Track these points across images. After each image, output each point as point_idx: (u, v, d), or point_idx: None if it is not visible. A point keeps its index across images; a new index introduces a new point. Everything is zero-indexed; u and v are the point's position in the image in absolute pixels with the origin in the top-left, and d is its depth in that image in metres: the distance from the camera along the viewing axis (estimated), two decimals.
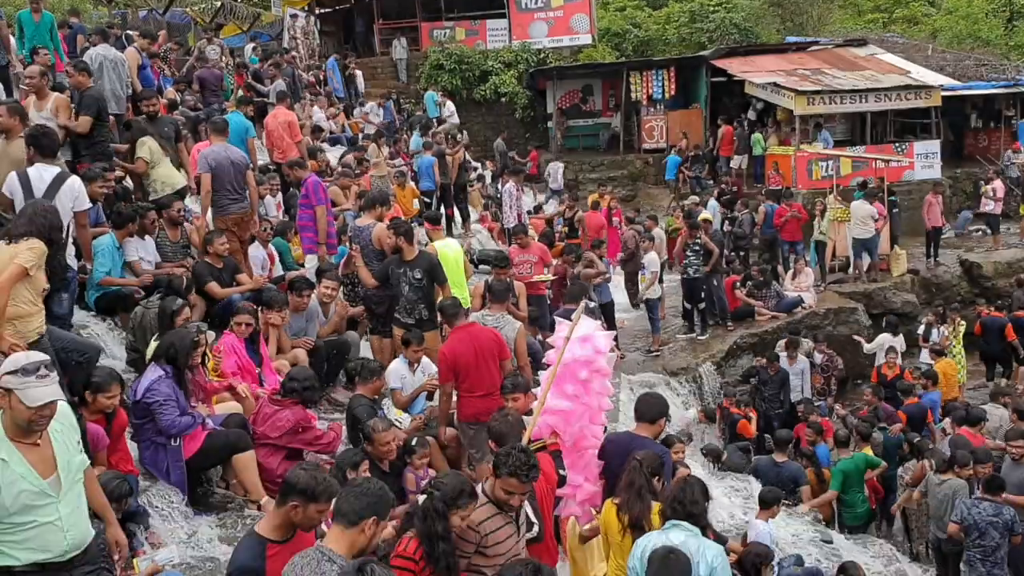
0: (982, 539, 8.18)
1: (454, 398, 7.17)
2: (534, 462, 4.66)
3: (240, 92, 15.15)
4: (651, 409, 5.85)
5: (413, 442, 6.50)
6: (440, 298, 8.22)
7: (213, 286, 8.12)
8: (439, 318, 8.21)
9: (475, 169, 19.15)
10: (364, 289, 8.87)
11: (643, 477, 5.15)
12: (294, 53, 21.17)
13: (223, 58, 16.58)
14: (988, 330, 15.15)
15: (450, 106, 23.20)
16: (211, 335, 7.33)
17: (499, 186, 18.09)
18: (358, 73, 23.27)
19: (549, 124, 26.05)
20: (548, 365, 6.16)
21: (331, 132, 17.17)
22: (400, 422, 7.22)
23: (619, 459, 5.59)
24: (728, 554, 5.84)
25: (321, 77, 21.88)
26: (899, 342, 14.32)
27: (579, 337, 6.10)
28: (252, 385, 7.13)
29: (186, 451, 6.11)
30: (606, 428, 6.70)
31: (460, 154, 16.95)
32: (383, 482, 4.40)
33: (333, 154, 15.33)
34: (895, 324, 14.66)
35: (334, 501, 4.14)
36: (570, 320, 6.15)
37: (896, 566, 9.53)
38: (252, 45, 18.93)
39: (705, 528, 4.98)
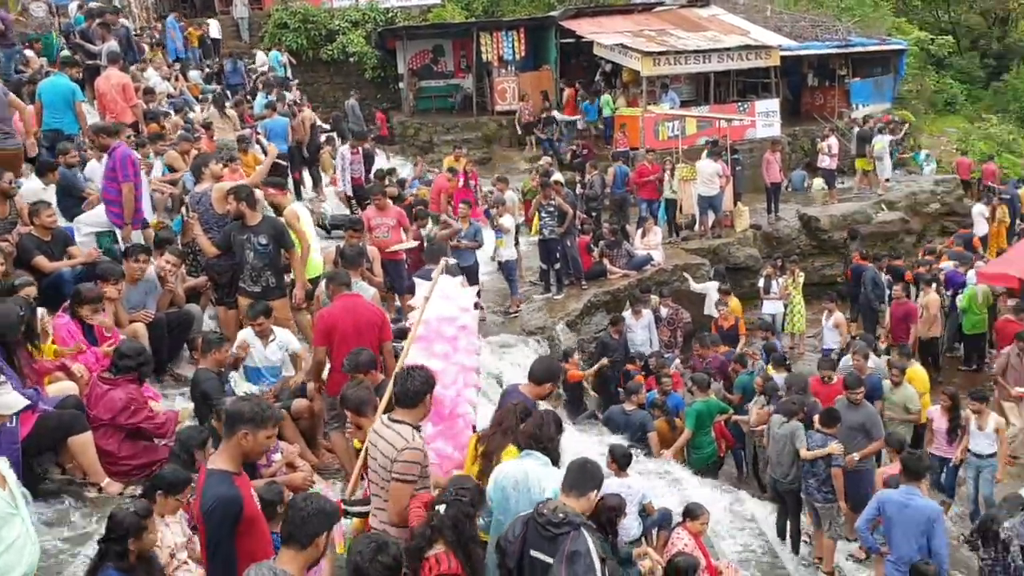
0: (814, 468, 8.86)
1: (325, 372, 6.97)
2: None
3: (65, 52, 14.19)
4: (541, 372, 6.15)
5: None
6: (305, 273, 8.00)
7: (40, 260, 7.60)
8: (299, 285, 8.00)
9: (325, 131, 18.64)
10: (206, 258, 8.48)
11: (514, 420, 5.55)
12: (126, 11, 19.97)
13: (51, 16, 15.51)
14: (856, 276, 15.91)
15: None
16: (43, 312, 6.87)
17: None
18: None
19: (400, 85, 25.64)
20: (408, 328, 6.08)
21: (169, 95, 16.30)
22: (249, 396, 6.97)
23: None
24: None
25: (157, 37, 20.79)
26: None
27: (441, 295, 6.02)
28: (89, 364, 6.72)
29: None
30: (479, 389, 6.70)
31: (310, 116, 16.45)
32: (322, 496, 4.40)
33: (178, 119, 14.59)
34: (722, 273, 15.42)
35: (282, 528, 4.15)
36: (430, 280, 6.07)
37: (740, 506, 10.03)
38: (77, 3, 17.69)
39: (556, 459, 5.25)
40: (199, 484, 4.39)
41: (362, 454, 5.45)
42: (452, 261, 9.53)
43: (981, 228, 19.86)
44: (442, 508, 4.63)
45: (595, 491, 4.87)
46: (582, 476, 4.86)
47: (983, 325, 14.45)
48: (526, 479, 5.03)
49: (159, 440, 6.45)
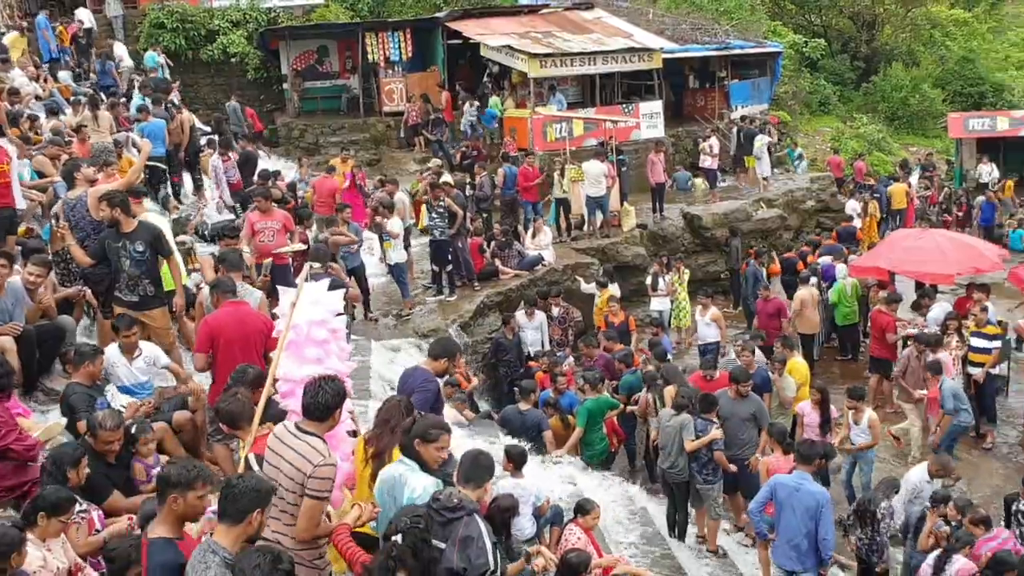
0: (697, 452, 9.28)
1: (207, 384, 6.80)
2: None
3: None
4: (438, 348, 6.75)
5: (133, 429, 6.04)
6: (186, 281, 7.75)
7: None
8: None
9: (206, 134, 18.09)
10: (80, 268, 8.11)
11: (400, 415, 5.58)
12: None
13: None
14: (785, 268, 16.82)
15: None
16: None
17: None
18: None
19: (284, 86, 25.14)
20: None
21: (37, 97, 15.54)
22: (124, 409, 6.70)
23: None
24: None
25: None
26: (616, 289, 15.23)
27: (309, 300, 5.90)
28: None
29: None
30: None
31: (188, 118, 15.95)
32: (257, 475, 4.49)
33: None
34: (611, 273, 15.66)
35: (218, 504, 4.24)
36: (295, 287, 5.96)
37: (632, 498, 10.23)
38: None
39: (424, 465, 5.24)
40: (143, 556, 4.28)
41: (242, 464, 5.29)
42: (317, 267, 9.37)
43: (856, 222, 20.77)
44: (398, 538, 4.54)
45: (489, 481, 5.10)
46: (476, 468, 5.07)
47: (855, 316, 15.07)
48: (399, 483, 5.09)
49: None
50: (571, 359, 13.55)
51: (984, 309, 12.80)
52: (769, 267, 17.19)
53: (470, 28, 22.76)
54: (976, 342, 12.26)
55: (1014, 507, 8.60)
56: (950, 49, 40.95)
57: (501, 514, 6.26)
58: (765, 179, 22.46)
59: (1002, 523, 8.70)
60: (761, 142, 22.50)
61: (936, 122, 35.76)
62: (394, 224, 13.76)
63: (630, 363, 12.15)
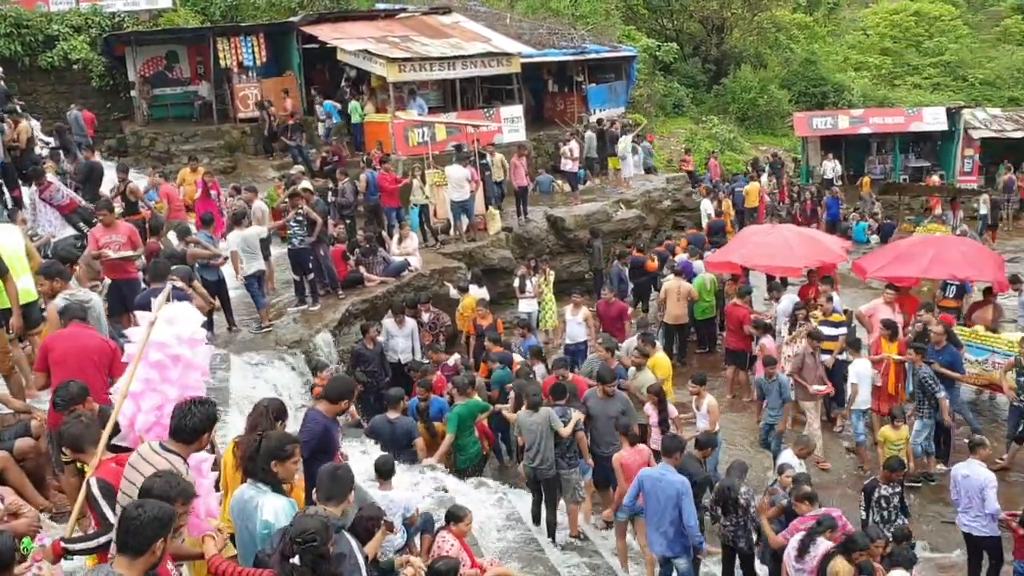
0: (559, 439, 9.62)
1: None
2: None
3: None
4: (335, 390, 6.60)
5: None
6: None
7: None
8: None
9: (46, 144, 17.13)
10: None
11: (268, 421, 5.72)
12: None
13: None
14: (634, 267, 17.18)
15: None
16: None
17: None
18: None
19: (132, 93, 24.07)
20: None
21: None
22: None
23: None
24: None
25: None
26: (483, 292, 15.31)
27: (165, 319, 5.63)
28: None
29: None
30: None
31: (27, 128, 15.00)
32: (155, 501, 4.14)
33: None
34: (479, 277, 15.76)
35: (116, 535, 4.06)
36: (151, 304, 5.67)
37: (506, 502, 10.23)
38: None
39: (278, 485, 5.14)
40: None
41: (83, 490, 5.00)
42: (178, 285, 9.03)
43: (706, 222, 21.52)
44: (296, 559, 4.42)
45: (351, 494, 5.03)
46: (335, 483, 5.05)
47: (712, 310, 15.61)
48: (248, 506, 4.95)
49: None
50: (457, 356, 13.51)
51: (830, 299, 13.48)
52: (646, 264, 17.53)
53: (326, 32, 22.37)
54: (824, 330, 12.88)
55: (875, 494, 9.03)
56: (794, 51, 43.08)
57: (365, 524, 6.14)
58: (628, 179, 23.05)
59: (861, 509, 9.13)
60: (625, 143, 23.07)
61: (783, 121, 37.51)
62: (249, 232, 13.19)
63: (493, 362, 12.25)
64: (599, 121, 24.87)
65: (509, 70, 22.70)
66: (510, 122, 22.51)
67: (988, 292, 14.30)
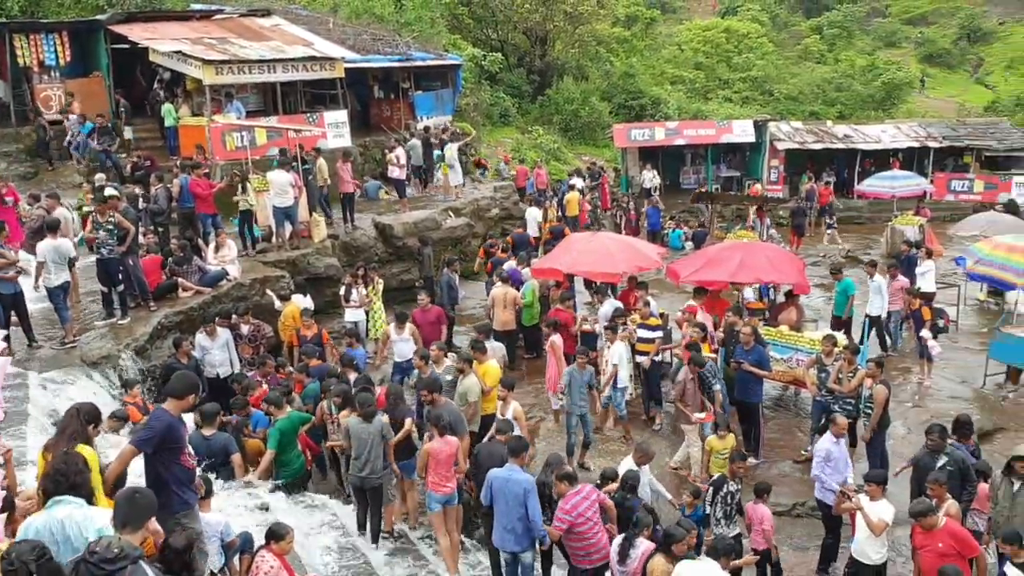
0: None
1: None
2: None
3: None
4: (179, 385, 6.67)
5: None
6: None
7: None
8: None
9: None
10: None
11: (78, 423, 5.91)
12: None
13: None
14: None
15: None
16: None
17: None
18: None
19: None
20: None
21: None
22: None
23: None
24: None
25: None
26: (307, 301, 15.03)
27: None
28: None
29: None
30: None
31: None
32: None
33: None
34: (303, 286, 15.60)
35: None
36: None
37: (328, 512, 10.06)
38: None
39: (90, 496, 5.01)
40: None
41: None
42: None
43: (533, 229, 21.89)
44: None
45: (151, 520, 4.65)
46: (134, 508, 4.76)
47: (538, 317, 15.88)
48: (63, 530, 4.53)
49: None
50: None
51: (647, 303, 13.97)
52: (485, 267, 17.61)
53: (136, 32, 21.23)
54: (641, 333, 13.37)
55: (724, 489, 9.33)
56: (614, 65, 44.63)
57: (178, 556, 5.81)
58: (455, 187, 23.13)
59: (707, 503, 9.41)
60: (452, 150, 23.13)
61: (604, 132, 38.77)
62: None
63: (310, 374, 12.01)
64: (426, 129, 24.84)
65: (333, 75, 22.32)
66: (335, 127, 22.12)
67: (791, 294, 15.22)
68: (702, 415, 11.82)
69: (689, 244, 25.11)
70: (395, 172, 21.31)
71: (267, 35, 22.80)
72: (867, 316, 16.15)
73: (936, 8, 72.89)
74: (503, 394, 10.95)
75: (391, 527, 10.17)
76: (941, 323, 15.83)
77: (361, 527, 9.93)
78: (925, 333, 15.07)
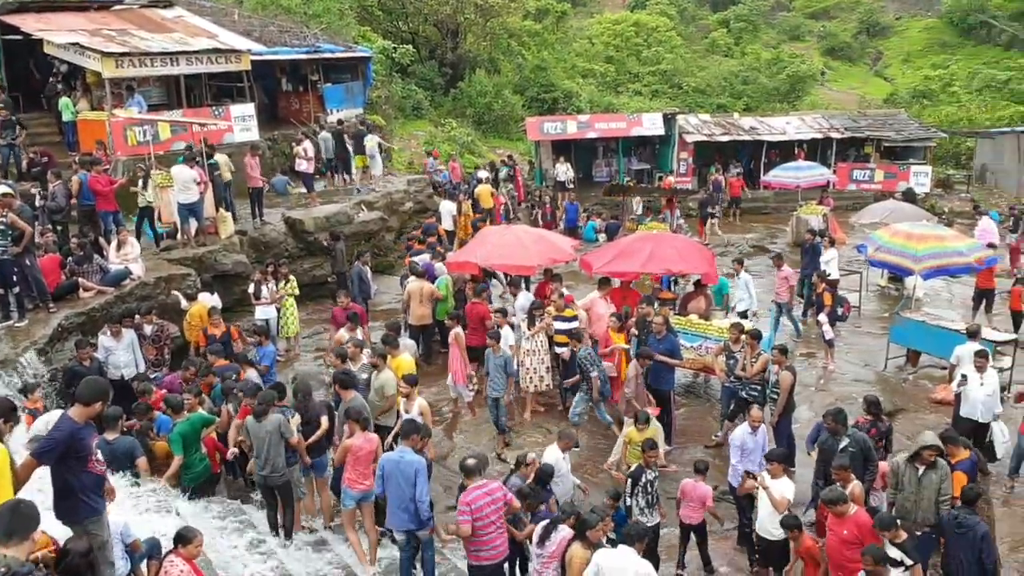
0: None
1: None
2: None
3: None
4: (88, 393, 6.50)
5: None
6: None
7: None
8: None
9: None
10: None
11: None
12: None
13: None
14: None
15: None
16: None
17: None
18: None
19: None
20: None
21: None
22: None
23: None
24: None
25: None
26: (216, 300, 14.82)
27: None
28: None
29: None
30: None
31: None
32: None
33: None
34: (210, 283, 15.45)
35: None
36: None
37: (242, 516, 9.86)
38: None
39: None
40: None
41: None
42: None
43: (448, 223, 21.82)
44: None
45: (36, 531, 4.46)
46: (17, 519, 4.58)
47: (452, 310, 15.80)
48: None
49: None
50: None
51: (561, 295, 14.06)
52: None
53: (29, 23, 20.35)
54: (558, 324, 13.47)
55: (643, 479, 9.42)
56: (525, 58, 44.71)
57: (81, 558, 5.63)
58: (377, 177, 22.98)
59: (627, 495, 9.47)
60: (372, 142, 22.94)
61: (518, 125, 38.81)
62: None
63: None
64: (339, 121, 24.52)
65: (239, 67, 21.80)
66: (241, 121, 21.64)
67: (699, 284, 15.52)
68: (649, 409, 12.03)
69: (603, 236, 25.38)
70: (302, 166, 20.96)
71: (169, 27, 22.14)
72: (774, 303, 16.66)
73: (837, 3, 75.14)
74: (406, 390, 10.81)
75: (300, 525, 10.07)
76: (841, 311, 16.34)
77: (274, 527, 9.82)
78: (822, 318, 15.62)
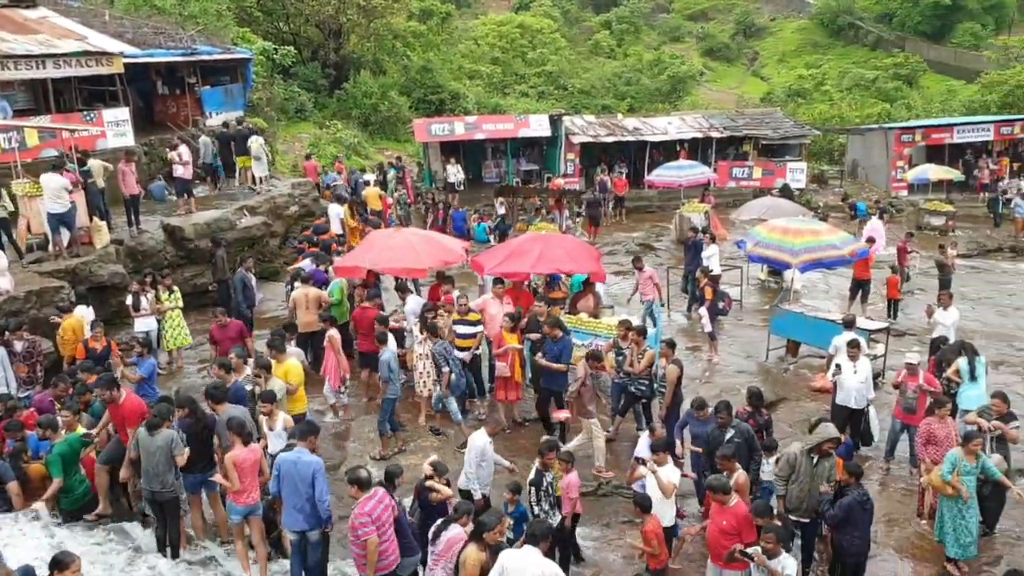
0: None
1: None
2: None
3: None
4: None
5: None
6: None
7: None
8: None
9: None
10: None
11: None
12: None
13: None
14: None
15: None
16: None
17: None
18: None
19: None
20: None
21: None
22: None
23: None
24: None
25: None
26: (91, 313, 14.30)
27: None
28: None
29: None
30: None
31: None
32: None
33: None
34: (85, 295, 14.85)
35: None
36: None
37: (124, 537, 9.59)
38: None
39: None
40: None
41: None
42: None
43: (336, 226, 21.48)
44: None
45: None
46: None
47: (346, 315, 15.58)
48: None
49: None
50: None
51: (462, 297, 14.03)
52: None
53: None
54: (460, 329, 13.42)
55: (543, 482, 9.38)
56: (411, 59, 44.47)
57: None
58: (262, 179, 22.43)
59: (531, 502, 9.38)
60: (257, 143, 22.37)
61: (405, 127, 38.60)
62: None
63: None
64: (225, 124, 23.85)
65: (111, 70, 20.97)
66: (115, 125, 20.83)
67: (588, 283, 15.72)
68: (567, 415, 12.35)
69: (493, 237, 25.47)
70: (178, 171, 20.17)
71: (34, 28, 21.12)
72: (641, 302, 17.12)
73: (714, 5, 77.59)
74: (266, 409, 10.26)
75: (186, 545, 9.75)
76: (722, 305, 16.85)
77: (162, 545, 9.48)
78: (702, 311, 16.09)
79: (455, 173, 31.04)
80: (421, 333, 13.31)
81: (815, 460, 9.26)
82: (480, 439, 9.90)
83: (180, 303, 15.76)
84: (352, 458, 12.19)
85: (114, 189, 18.45)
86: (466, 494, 9.62)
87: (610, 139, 33.47)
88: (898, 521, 10.85)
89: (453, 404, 12.91)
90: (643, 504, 9.00)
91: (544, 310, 13.75)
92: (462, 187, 30.73)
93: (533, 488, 9.37)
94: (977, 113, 42.98)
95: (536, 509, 9.31)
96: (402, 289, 15.54)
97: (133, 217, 18.52)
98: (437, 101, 41.94)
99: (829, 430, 9.47)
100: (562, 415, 12.53)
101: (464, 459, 10.02)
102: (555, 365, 12.54)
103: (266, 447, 9.94)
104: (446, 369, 12.56)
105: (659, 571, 9.01)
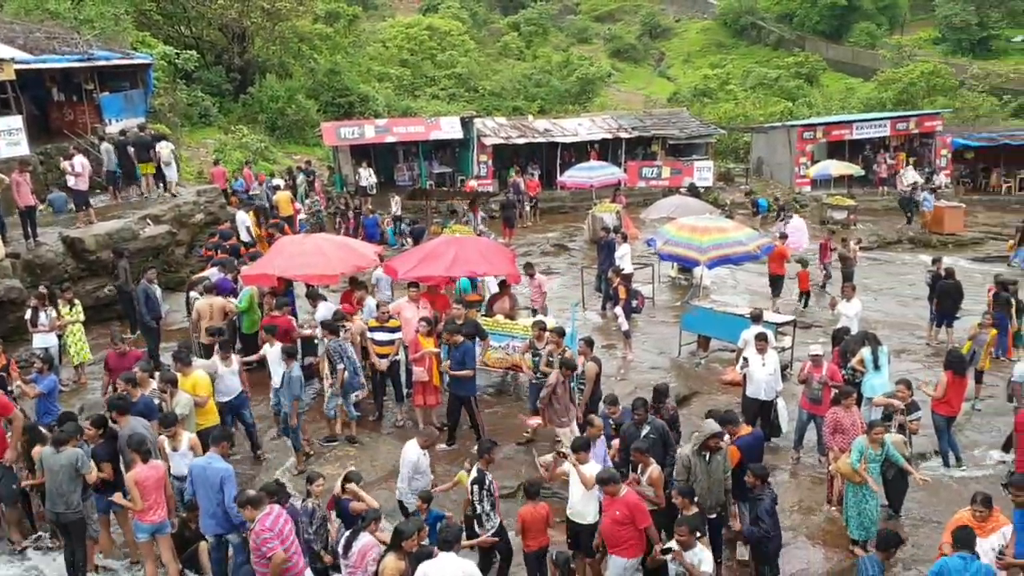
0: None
1: None
2: None
3: None
4: None
5: None
6: None
7: None
8: None
9: None
10: None
11: None
12: None
13: None
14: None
15: None
16: None
17: None
18: None
19: None
20: None
21: None
22: None
23: None
24: None
25: None
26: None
27: None
28: None
29: None
30: None
31: None
32: None
33: None
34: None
35: None
36: None
37: (28, 562, 9.23)
38: None
39: None
40: None
41: None
42: None
43: (244, 234, 21.07)
44: None
45: None
46: None
47: (257, 323, 15.25)
48: None
49: None
50: None
51: (382, 304, 13.87)
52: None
53: None
54: (378, 336, 13.24)
55: (486, 482, 9.20)
56: (318, 62, 43.85)
57: None
58: (172, 187, 21.91)
59: (475, 500, 9.22)
60: (168, 148, 21.79)
61: (314, 130, 38.02)
62: None
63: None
64: (122, 131, 23.09)
65: (3, 77, 20.14)
66: (7, 135, 20.01)
67: (504, 284, 15.73)
68: (537, 421, 12.20)
69: (408, 241, 25.30)
70: (71, 181, 19.35)
71: None
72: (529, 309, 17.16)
73: (621, 6, 78.74)
74: (170, 432, 9.85)
75: (94, 564, 9.56)
76: (635, 303, 17.08)
77: (71, 568, 9.15)
78: (617, 310, 16.32)
79: (367, 177, 30.74)
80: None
81: (707, 457, 9.42)
82: (413, 451, 9.76)
83: (82, 316, 15.24)
84: (271, 468, 11.98)
85: (8, 201, 17.70)
86: (402, 506, 9.56)
87: (522, 141, 33.62)
88: (809, 508, 11.15)
89: (345, 402, 12.77)
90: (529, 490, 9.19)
91: (462, 313, 13.70)
92: (374, 191, 30.46)
93: (476, 487, 9.21)
94: (874, 110, 44.62)
95: (479, 508, 9.20)
96: (313, 296, 15.28)
97: (30, 229, 17.80)
98: (346, 104, 41.44)
99: (709, 425, 9.58)
100: (532, 422, 12.47)
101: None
102: (459, 372, 12.48)
103: (169, 468, 9.61)
104: (340, 367, 12.40)
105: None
